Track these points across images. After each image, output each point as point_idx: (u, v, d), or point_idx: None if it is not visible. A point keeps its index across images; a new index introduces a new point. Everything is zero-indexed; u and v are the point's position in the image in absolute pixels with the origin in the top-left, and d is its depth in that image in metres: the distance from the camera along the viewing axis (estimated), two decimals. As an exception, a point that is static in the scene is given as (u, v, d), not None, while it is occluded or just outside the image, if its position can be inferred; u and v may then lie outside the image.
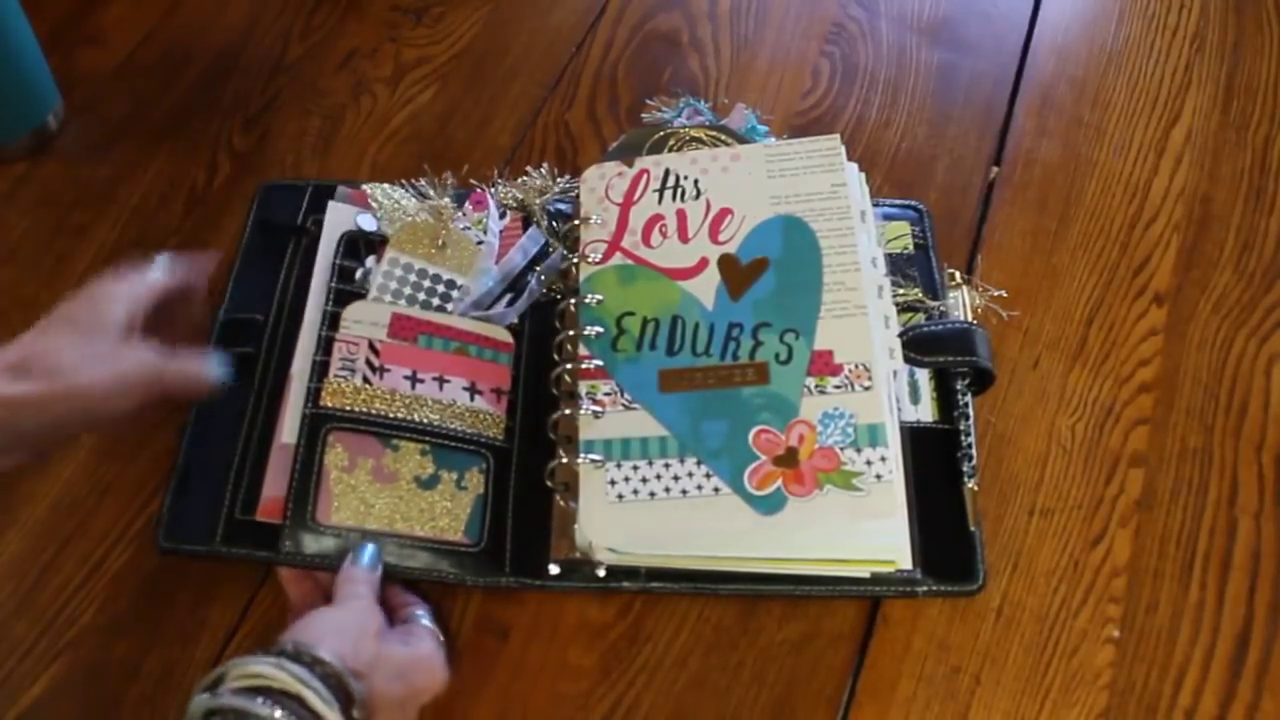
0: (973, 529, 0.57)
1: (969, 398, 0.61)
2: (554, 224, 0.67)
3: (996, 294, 0.68)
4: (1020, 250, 0.71)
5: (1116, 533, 0.61)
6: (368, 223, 0.65)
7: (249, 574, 0.57)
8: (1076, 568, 0.60)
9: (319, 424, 0.57)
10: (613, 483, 0.55)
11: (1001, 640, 0.58)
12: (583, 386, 0.58)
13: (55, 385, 0.47)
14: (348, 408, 0.58)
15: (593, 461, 0.56)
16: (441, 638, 0.53)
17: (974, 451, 0.59)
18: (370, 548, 0.54)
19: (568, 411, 0.58)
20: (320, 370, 0.59)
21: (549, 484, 0.58)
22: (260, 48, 0.77)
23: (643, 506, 0.54)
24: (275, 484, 0.56)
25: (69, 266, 0.67)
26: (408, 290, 0.62)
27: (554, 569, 0.56)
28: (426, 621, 0.53)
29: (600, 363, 0.58)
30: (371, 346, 0.60)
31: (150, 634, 0.56)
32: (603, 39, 0.80)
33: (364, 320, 0.60)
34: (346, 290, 0.62)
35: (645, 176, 0.65)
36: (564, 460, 0.57)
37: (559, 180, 0.69)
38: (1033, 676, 0.57)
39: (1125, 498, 0.62)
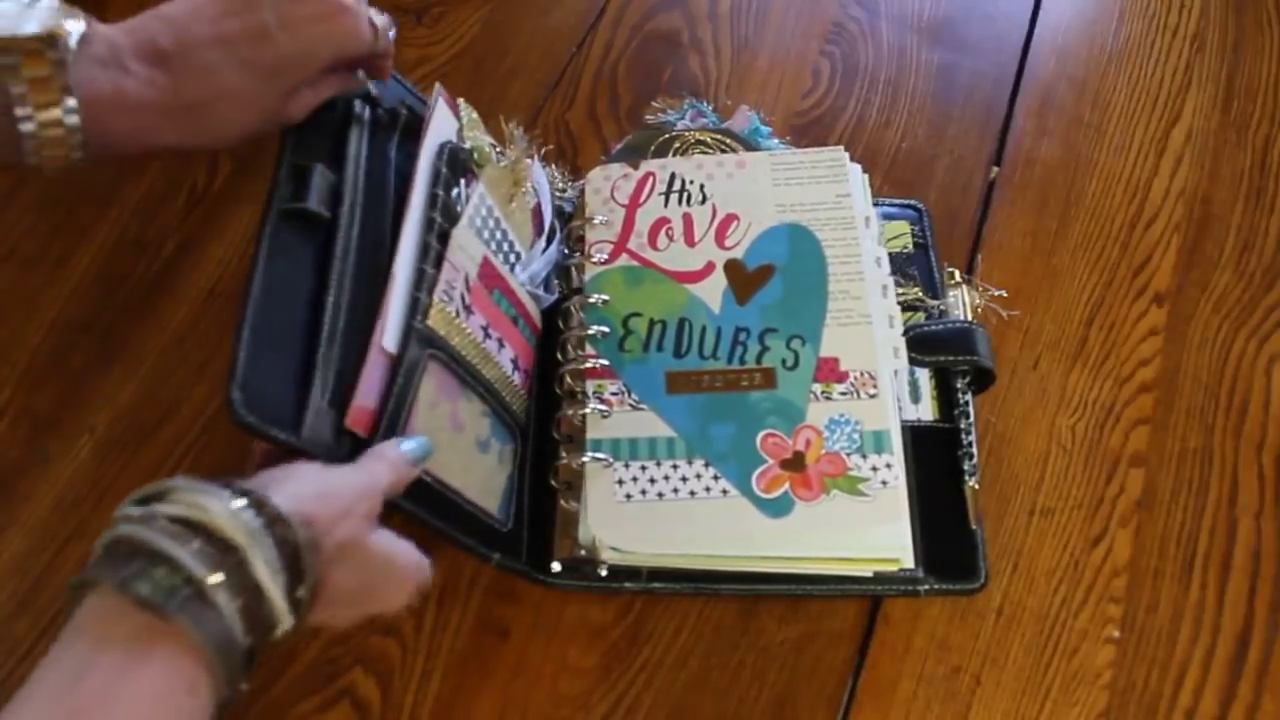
0: (974, 528, 0.57)
1: (969, 396, 0.61)
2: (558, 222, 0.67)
3: (996, 293, 0.68)
4: (1020, 250, 0.71)
5: (1117, 533, 0.61)
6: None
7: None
8: (1077, 567, 0.60)
9: (424, 343, 0.50)
10: (620, 482, 0.55)
11: (1002, 640, 0.58)
12: (590, 385, 0.58)
13: (189, 129, 0.47)
14: (446, 337, 0.52)
15: (599, 460, 0.56)
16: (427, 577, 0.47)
17: (975, 450, 0.59)
18: (423, 440, 0.48)
19: (570, 411, 0.58)
20: (429, 284, 0.52)
21: (552, 483, 0.58)
22: (260, 48, 0.77)
23: (650, 506, 0.55)
24: (368, 392, 0.48)
25: (69, 266, 0.67)
26: (486, 234, 0.57)
27: (556, 567, 0.56)
28: (419, 555, 0.48)
29: (606, 362, 0.59)
30: (466, 281, 0.54)
31: (150, 634, 0.56)
32: (603, 39, 0.80)
33: (466, 250, 0.55)
34: (447, 205, 0.55)
35: (651, 179, 0.65)
36: (565, 459, 0.57)
37: (571, 185, 0.69)
38: (1033, 676, 0.57)
39: (1125, 498, 0.62)
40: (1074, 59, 0.81)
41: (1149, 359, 0.67)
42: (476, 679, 0.55)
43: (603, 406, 0.57)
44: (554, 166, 0.70)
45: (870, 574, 0.55)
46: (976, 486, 0.58)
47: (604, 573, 0.55)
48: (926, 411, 0.60)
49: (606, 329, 0.60)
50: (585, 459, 0.56)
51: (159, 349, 0.63)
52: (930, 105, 0.78)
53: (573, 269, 0.63)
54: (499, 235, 0.59)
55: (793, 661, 0.57)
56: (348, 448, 0.47)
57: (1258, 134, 0.78)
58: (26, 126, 0.44)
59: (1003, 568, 0.60)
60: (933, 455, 0.59)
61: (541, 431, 0.60)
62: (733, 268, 0.61)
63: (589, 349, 0.59)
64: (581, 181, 0.68)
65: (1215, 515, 0.62)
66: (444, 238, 0.54)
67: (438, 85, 0.60)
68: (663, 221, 0.63)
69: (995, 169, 0.75)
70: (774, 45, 0.80)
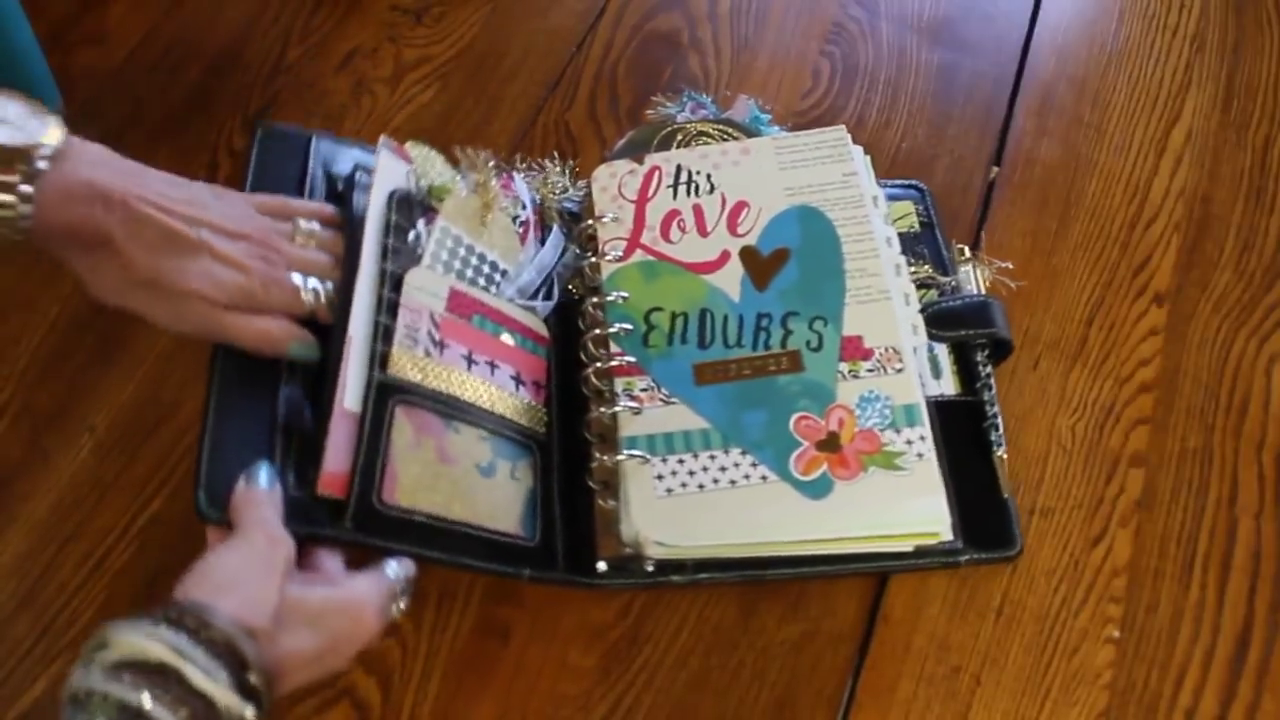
0: (1006, 496, 0.58)
1: (990, 369, 0.61)
2: (563, 223, 0.66)
3: (1003, 265, 0.68)
4: (1020, 250, 0.71)
5: (1117, 533, 0.61)
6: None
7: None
8: (1077, 567, 0.60)
9: (386, 394, 0.52)
10: (660, 478, 0.55)
11: (1002, 640, 0.58)
12: (619, 384, 0.58)
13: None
14: (414, 380, 0.53)
15: (636, 457, 0.56)
16: (399, 587, 0.49)
17: (999, 421, 0.59)
18: (265, 465, 0.48)
19: (600, 410, 0.58)
20: (385, 334, 0.53)
21: (590, 484, 0.57)
22: (260, 48, 0.77)
23: (693, 499, 0.54)
24: (336, 456, 0.50)
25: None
26: (457, 265, 0.59)
27: (602, 566, 0.56)
28: (390, 571, 0.49)
29: (632, 359, 0.58)
30: (432, 318, 0.56)
31: (150, 634, 0.56)
32: (603, 39, 0.80)
33: (425, 289, 0.56)
34: (401, 250, 0.57)
35: (657, 173, 0.65)
36: (602, 459, 0.57)
37: (577, 186, 0.68)
38: (1033, 676, 0.57)
39: (1125, 498, 0.62)
40: (1074, 59, 0.81)
41: (1149, 359, 0.67)
42: (476, 680, 0.55)
43: (633, 403, 0.57)
44: (566, 166, 0.69)
45: (911, 548, 0.56)
46: (1005, 456, 0.59)
47: (651, 568, 0.55)
48: (949, 386, 0.61)
49: (629, 326, 0.59)
50: (621, 457, 0.56)
51: (159, 349, 0.63)
52: (930, 105, 0.78)
53: (586, 269, 0.63)
54: (474, 261, 0.60)
55: (793, 661, 0.57)
56: (327, 514, 0.49)
57: (1258, 134, 0.78)
58: None
59: (1003, 567, 0.60)
60: (959, 428, 0.59)
61: (568, 435, 0.59)
62: (748, 254, 0.61)
63: (613, 347, 0.59)
64: (586, 181, 0.67)
65: (1215, 515, 0.62)
66: (398, 286, 0.55)
67: (383, 137, 0.60)
68: (673, 214, 0.63)
69: (995, 169, 0.75)
70: (774, 45, 0.80)
